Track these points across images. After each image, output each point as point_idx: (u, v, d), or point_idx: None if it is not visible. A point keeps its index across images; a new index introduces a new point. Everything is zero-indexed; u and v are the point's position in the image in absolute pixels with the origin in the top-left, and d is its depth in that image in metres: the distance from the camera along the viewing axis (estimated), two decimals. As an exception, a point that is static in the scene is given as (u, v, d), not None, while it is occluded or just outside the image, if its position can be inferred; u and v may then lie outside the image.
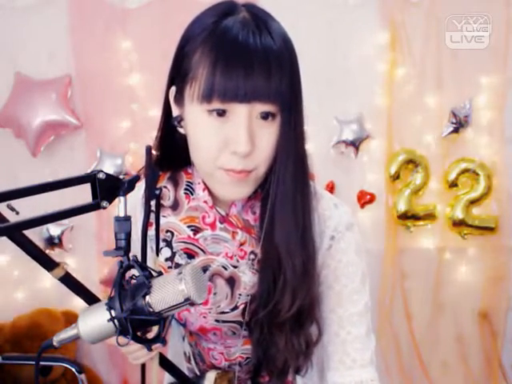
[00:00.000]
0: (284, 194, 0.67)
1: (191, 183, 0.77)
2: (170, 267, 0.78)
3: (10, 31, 1.81)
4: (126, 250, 0.54)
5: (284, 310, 0.70)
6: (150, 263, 0.66)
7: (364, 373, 0.74)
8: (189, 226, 0.76)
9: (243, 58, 0.58)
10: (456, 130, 1.86)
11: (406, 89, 1.87)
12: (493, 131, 1.89)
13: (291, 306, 0.69)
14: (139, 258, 0.63)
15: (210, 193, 0.74)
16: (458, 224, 1.89)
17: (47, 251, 1.85)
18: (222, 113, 0.61)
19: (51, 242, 1.86)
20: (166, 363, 0.79)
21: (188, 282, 0.51)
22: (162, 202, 0.76)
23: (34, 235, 1.82)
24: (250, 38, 0.59)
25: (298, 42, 0.67)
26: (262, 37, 0.60)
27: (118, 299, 0.52)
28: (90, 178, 0.53)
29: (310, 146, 0.70)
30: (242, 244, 0.75)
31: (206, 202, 0.74)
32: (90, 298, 0.67)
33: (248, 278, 0.75)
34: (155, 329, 0.58)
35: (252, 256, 0.75)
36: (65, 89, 1.80)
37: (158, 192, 0.61)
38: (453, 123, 1.85)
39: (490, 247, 1.95)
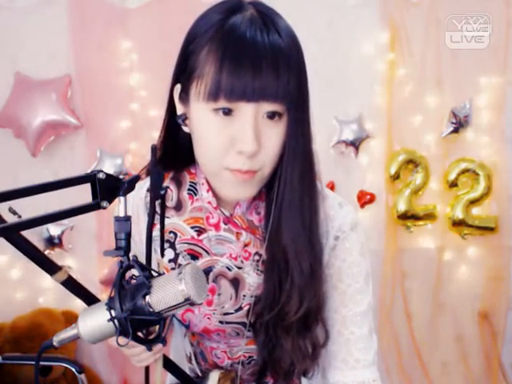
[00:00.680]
0: (291, 195, 0.66)
1: (195, 183, 0.76)
2: (173, 268, 0.77)
3: (10, 31, 1.81)
4: (126, 250, 0.54)
5: (291, 312, 0.69)
6: (153, 265, 0.66)
7: (367, 373, 0.74)
8: (193, 227, 0.75)
9: (251, 56, 0.57)
10: (456, 130, 1.86)
11: (406, 89, 1.87)
12: (493, 131, 1.89)
13: (299, 308, 0.69)
14: (143, 260, 0.63)
15: (214, 193, 0.73)
16: (458, 224, 1.89)
17: (47, 251, 1.85)
18: (228, 112, 0.60)
19: (51, 242, 1.86)
20: (169, 364, 0.79)
21: (188, 282, 0.51)
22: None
23: (34, 235, 1.82)
24: (258, 36, 0.58)
25: (298, 41, 0.67)
26: (270, 34, 0.59)
27: (117, 299, 0.52)
28: (90, 178, 0.52)
29: (311, 146, 0.69)
30: (246, 245, 0.74)
31: (210, 202, 0.74)
32: (92, 301, 0.66)
33: (252, 279, 0.75)
34: (157, 329, 0.58)
35: (256, 257, 0.74)
36: (65, 89, 1.80)
37: (163, 192, 0.60)
38: (453, 123, 1.85)
39: (490, 247, 1.95)
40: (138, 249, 0.79)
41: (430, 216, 1.91)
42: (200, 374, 0.87)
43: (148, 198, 0.76)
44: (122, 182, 0.54)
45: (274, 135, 0.63)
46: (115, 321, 0.52)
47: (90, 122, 1.85)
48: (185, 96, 0.65)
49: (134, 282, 0.55)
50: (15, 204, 0.52)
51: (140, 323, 0.53)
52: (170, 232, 0.76)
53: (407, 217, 1.89)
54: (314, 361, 0.74)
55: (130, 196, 0.66)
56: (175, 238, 0.76)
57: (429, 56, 1.84)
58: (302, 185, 0.67)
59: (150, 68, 1.82)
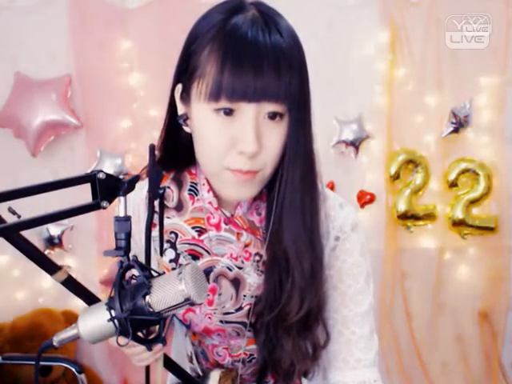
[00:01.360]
0: (292, 196, 0.66)
1: (195, 184, 0.76)
2: (174, 269, 0.77)
3: (10, 31, 1.81)
4: (126, 250, 0.54)
5: (292, 312, 0.69)
6: (153, 264, 0.66)
7: (367, 373, 0.74)
8: (193, 227, 0.75)
9: (253, 56, 0.57)
10: (456, 130, 1.86)
11: (406, 89, 1.87)
12: (493, 131, 1.89)
13: (300, 308, 0.69)
14: (143, 259, 0.63)
15: (215, 194, 0.73)
16: (458, 224, 1.89)
17: (47, 251, 1.85)
18: (229, 112, 0.60)
19: (51, 242, 1.86)
20: (170, 364, 0.79)
21: (188, 282, 0.51)
22: (165, 202, 0.76)
23: (34, 235, 1.82)
24: (260, 36, 0.58)
25: (298, 42, 0.67)
26: (272, 35, 0.59)
27: (117, 299, 0.52)
28: (90, 178, 0.52)
29: (311, 146, 0.69)
30: (246, 245, 0.74)
31: (210, 203, 0.74)
32: (92, 301, 0.66)
33: (253, 279, 0.75)
34: (157, 329, 0.58)
35: (257, 257, 0.74)
36: (65, 89, 1.80)
37: (161, 191, 0.60)
38: (453, 123, 1.86)
39: (490, 247, 1.95)
40: (138, 248, 0.79)
41: (429, 216, 1.91)
42: (201, 373, 0.87)
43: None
44: (122, 182, 0.54)
45: (275, 136, 0.63)
46: (115, 321, 0.52)
47: (89, 121, 1.85)
48: (186, 96, 0.65)
49: (133, 282, 0.55)
50: (15, 204, 0.52)
51: (140, 323, 0.53)
52: (171, 232, 0.76)
53: (407, 217, 1.89)
54: (314, 361, 0.74)
55: (130, 196, 0.66)
56: (176, 239, 0.76)
57: (429, 56, 1.84)
58: (303, 185, 0.67)
59: (150, 68, 1.82)
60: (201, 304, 0.59)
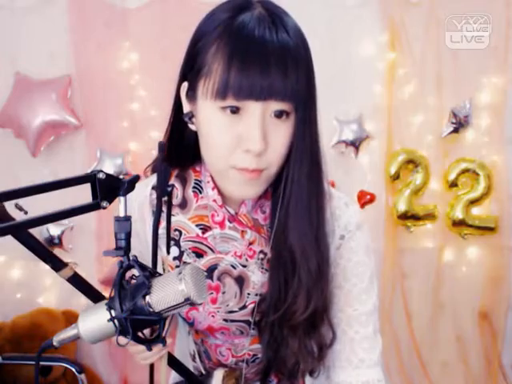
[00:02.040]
0: (298, 194, 0.66)
1: (200, 181, 0.76)
2: (177, 266, 0.77)
3: (10, 31, 1.81)
4: (126, 249, 0.54)
5: (299, 312, 0.69)
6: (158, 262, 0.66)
7: (371, 373, 0.74)
8: (197, 225, 0.75)
9: (260, 54, 0.57)
10: (456, 130, 1.86)
11: (406, 89, 1.87)
12: (493, 131, 1.89)
13: (306, 307, 0.69)
14: (147, 258, 0.63)
15: (219, 191, 0.73)
16: (458, 224, 1.89)
17: (47, 251, 1.85)
18: (235, 110, 0.60)
19: (51, 241, 1.86)
20: (173, 362, 0.79)
21: (188, 282, 0.51)
22: None
23: (34, 235, 1.82)
24: (267, 34, 0.58)
25: (298, 41, 0.67)
26: (279, 33, 0.59)
27: (117, 299, 0.52)
28: (90, 178, 0.52)
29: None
30: (251, 243, 0.74)
31: (215, 200, 0.74)
32: (97, 298, 0.66)
33: (257, 278, 0.75)
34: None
35: (261, 255, 0.75)
36: (65, 89, 1.80)
37: (169, 189, 0.60)
38: (453, 123, 1.85)
39: (490, 247, 1.95)
40: (142, 247, 0.79)
41: (429, 216, 1.91)
42: (204, 372, 0.87)
43: (153, 196, 0.76)
44: (122, 182, 0.54)
45: (282, 134, 0.63)
46: (115, 321, 0.52)
47: (89, 122, 1.85)
48: (192, 94, 0.65)
49: (133, 282, 0.55)
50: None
51: (140, 323, 0.53)
52: (175, 230, 0.76)
53: (407, 217, 1.89)
54: (320, 361, 0.74)
55: (134, 194, 0.66)
56: (180, 236, 0.76)
57: (429, 56, 1.84)
58: (309, 184, 0.67)
59: (150, 68, 1.82)
60: (201, 304, 0.60)
